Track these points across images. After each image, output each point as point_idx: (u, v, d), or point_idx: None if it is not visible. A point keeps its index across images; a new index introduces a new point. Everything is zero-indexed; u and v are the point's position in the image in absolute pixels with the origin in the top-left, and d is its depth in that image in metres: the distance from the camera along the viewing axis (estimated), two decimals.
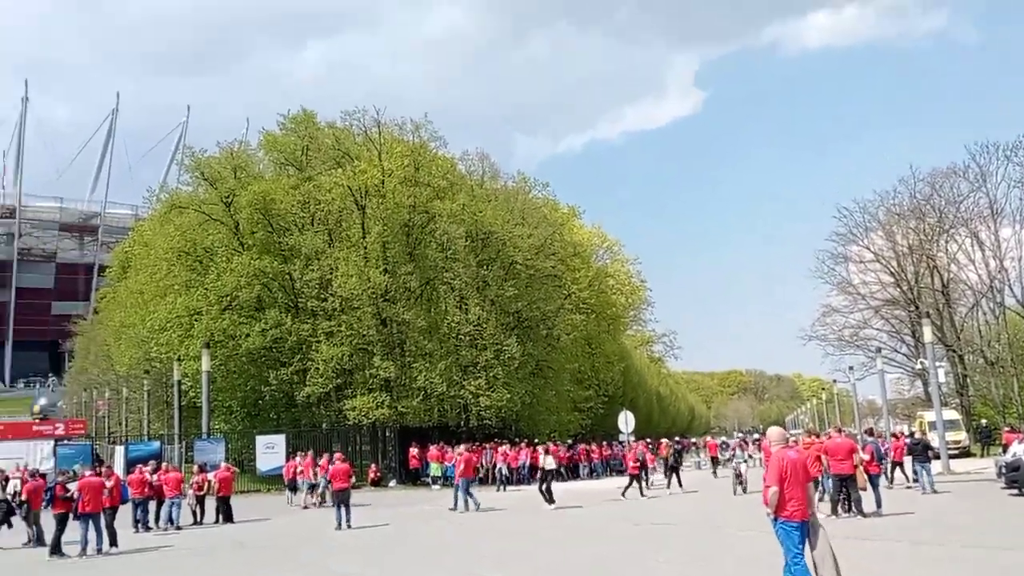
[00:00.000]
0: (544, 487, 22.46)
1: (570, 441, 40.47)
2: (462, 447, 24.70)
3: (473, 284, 36.64)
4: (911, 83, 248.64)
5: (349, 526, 18.44)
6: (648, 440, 36.59)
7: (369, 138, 36.47)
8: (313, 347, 33.73)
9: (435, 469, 31.45)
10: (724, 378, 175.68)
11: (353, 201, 35.07)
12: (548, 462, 23.18)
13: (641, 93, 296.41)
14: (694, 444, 58.34)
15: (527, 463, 33.16)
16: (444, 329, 35.91)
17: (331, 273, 34.19)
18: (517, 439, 36.58)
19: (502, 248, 38.13)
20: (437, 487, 30.08)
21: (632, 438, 31.46)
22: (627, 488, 24.26)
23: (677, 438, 41.66)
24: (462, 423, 37.07)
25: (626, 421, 30.27)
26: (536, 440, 36.75)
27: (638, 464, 25.22)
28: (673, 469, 27.40)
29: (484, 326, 35.75)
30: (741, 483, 23.77)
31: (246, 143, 40.85)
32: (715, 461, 36.32)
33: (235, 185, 35.32)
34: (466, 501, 21.25)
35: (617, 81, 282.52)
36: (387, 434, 35.98)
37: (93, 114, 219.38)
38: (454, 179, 39.69)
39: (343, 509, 18.62)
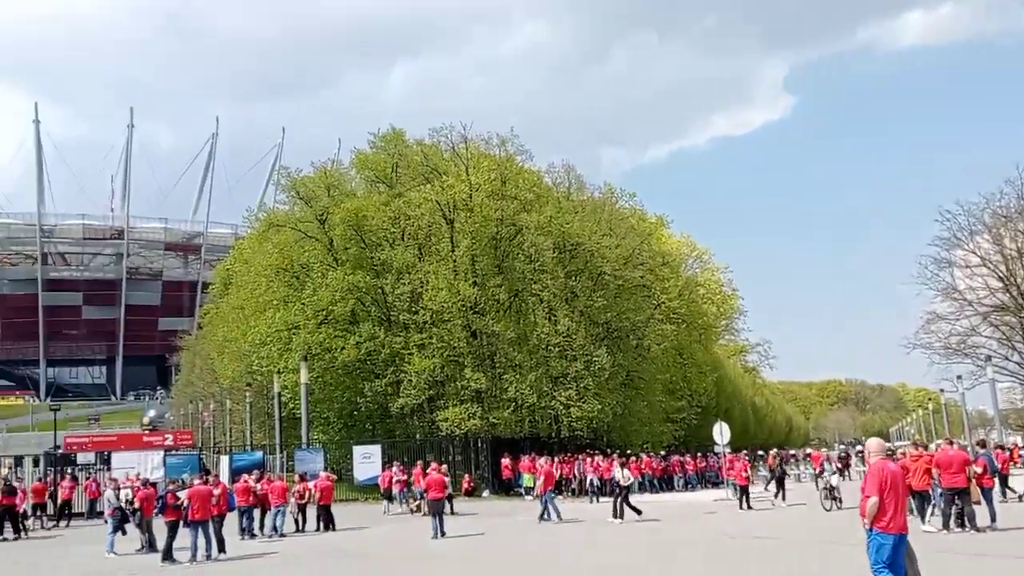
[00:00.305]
0: (618, 500, 22.22)
1: (663, 452, 39.99)
2: (543, 459, 24.70)
3: (562, 295, 36.72)
4: (1013, 80, 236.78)
5: (443, 535, 18.74)
6: (745, 452, 35.85)
7: (457, 153, 37.09)
8: (405, 359, 34.37)
9: (527, 480, 31.53)
10: (823, 388, 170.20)
11: (442, 216, 35.68)
12: (623, 475, 22.80)
13: (729, 99, 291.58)
14: (793, 456, 56.83)
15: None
16: (533, 340, 36.07)
17: (422, 287, 34.84)
18: (609, 450, 36.39)
19: (590, 259, 38.09)
20: (530, 498, 30.14)
21: (728, 449, 30.90)
22: (743, 499, 23.94)
23: (777, 450, 40.69)
24: (553, 434, 37.11)
25: (721, 432, 29.65)
26: (628, 452, 36.48)
27: (746, 477, 24.83)
28: (779, 481, 26.84)
29: (573, 337, 35.75)
30: (834, 497, 22.88)
31: (338, 162, 42.14)
32: (821, 473, 35.47)
33: (329, 203, 36.40)
34: (549, 512, 21.48)
35: (704, 88, 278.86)
36: (479, 444, 36.32)
37: (194, 138, 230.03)
38: (541, 191, 39.93)
39: (438, 519, 18.94)
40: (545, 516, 21.50)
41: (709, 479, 39.43)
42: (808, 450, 44.57)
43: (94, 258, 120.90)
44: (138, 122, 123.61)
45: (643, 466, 35.02)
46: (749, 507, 23.78)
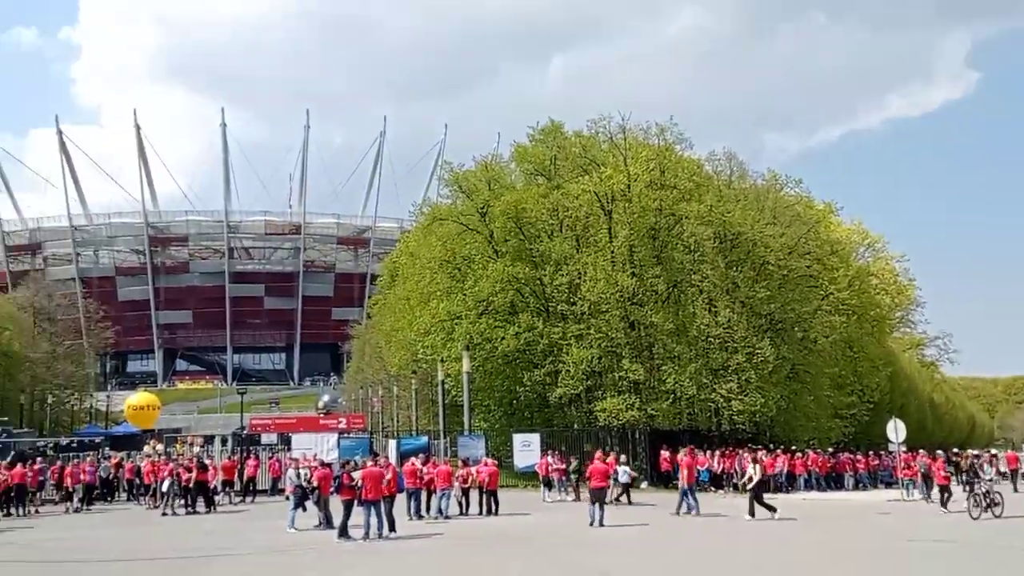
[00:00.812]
0: (753, 497, 21.51)
1: (831, 450, 38.31)
2: (682, 452, 24.22)
3: (722, 286, 35.88)
4: None
5: (602, 524, 18.85)
6: (939, 452, 33.73)
7: (615, 144, 36.97)
8: (563, 350, 34.68)
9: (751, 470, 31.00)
10: (1010, 384, 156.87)
11: (600, 207, 35.68)
12: (754, 471, 21.98)
13: (905, 78, 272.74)
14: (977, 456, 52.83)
15: (784, 470, 31.97)
16: (693, 332, 35.45)
17: (579, 277, 35.02)
18: (772, 445, 35.25)
19: (752, 248, 36.98)
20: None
21: (903, 448, 29.23)
22: (945, 499, 22.72)
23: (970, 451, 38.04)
24: (713, 427, 36.39)
25: (895, 429, 28.06)
26: (794, 447, 35.24)
27: (947, 476, 23.50)
28: (969, 483, 25.21)
29: (735, 328, 34.86)
30: (992, 503, 20.78)
31: (498, 156, 42.94)
32: (1015, 474, 33.00)
33: (489, 196, 37.23)
34: (688, 506, 21.36)
35: (877, 68, 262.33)
36: (637, 436, 36.14)
37: (363, 136, 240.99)
38: (701, 180, 39.11)
39: (598, 507, 19.08)
40: (683, 510, 21.35)
41: (881, 478, 37.38)
42: (992, 450, 41.24)
43: (274, 252, 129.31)
44: (313, 123, 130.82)
45: (809, 463, 33.74)
46: (946, 509, 22.34)
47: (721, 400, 34.17)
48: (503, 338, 34.70)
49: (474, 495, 23.16)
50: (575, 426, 36.60)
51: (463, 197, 39.00)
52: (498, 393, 38.35)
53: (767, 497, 21.81)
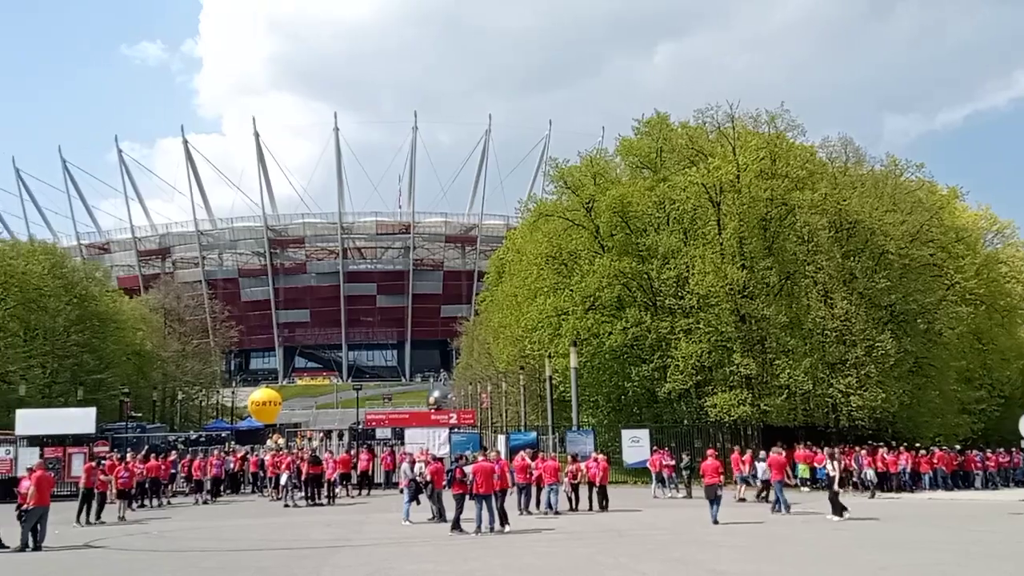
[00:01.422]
0: (831, 495, 20.63)
1: (958, 447, 36.41)
2: (775, 449, 23.39)
3: (838, 277, 34.65)
4: None
5: (716, 522, 18.60)
6: None
7: (723, 134, 36.19)
8: (672, 344, 34.27)
9: (802, 470, 30.20)
10: None
11: (708, 198, 35.03)
12: (831, 467, 21.06)
13: None
14: None
15: (907, 468, 30.64)
16: (808, 325, 34.41)
17: (688, 271, 34.50)
18: (895, 442, 33.81)
19: (870, 237, 35.50)
20: (806, 489, 28.89)
21: None
22: None
23: None
24: (831, 423, 35.22)
25: None
26: (918, 444, 33.69)
27: None
28: None
29: (852, 321, 33.60)
30: None
31: (603, 150, 42.71)
32: None
33: (595, 191, 37.11)
34: (782, 503, 21.00)
35: (1005, 44, 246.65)
36: (749, 432, 35.35)
37: (470, 133, 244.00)
38: (814, 168, 37.82)
39: (714, 505, 18.90)
40: (777, 507, 20.96)
41: (1014, 477, 35.32)
42: None
43: (385, 251, 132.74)
44: (421, 123, 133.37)
45: (935, 461, 32.19)
46: None
47: (839, 395, 33.05)
48: (610, 333, 34.58)
49: (583, 491, 23.19)
50: (685, 422, 36.13)
51: (568, 193, 38.99)
52: (606, 388, 38.23)
53: (882, 496, 21.01)
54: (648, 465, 28.26)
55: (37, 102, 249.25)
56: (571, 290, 35.96)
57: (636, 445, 31.88)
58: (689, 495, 26.65)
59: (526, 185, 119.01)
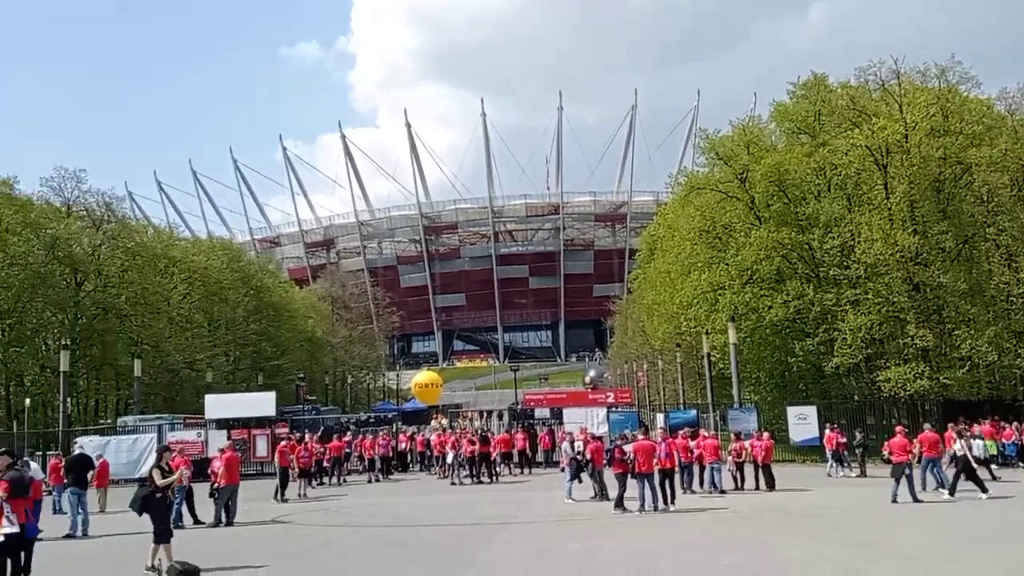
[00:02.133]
0: (967, 473, 18.97)
1: None
2: (926, 427, 21.64)
3: (1023, 238, 31.95)
4: None
5: (895, 501, 17.78)
6: None
7: (887, 92, 33.95)
8: (838, 317, 32.71)
9: (988, 447, 28.13)
10: None
11: (873, 161, 33.05)
12: (960, 445, 19.28)
13: None
14: None
15: None
16: (990, 291, 32.01)
17: (853, 239, 32.75)
18: None
19: None
20: (995, 467, 26.89)
21: None
22: None
23: None
24: (1020, 396, 32.62)
25: None
26: None
27: None
28: None
29: None
30: None
31: (756, 117, 41.20)
32: None
33: (749, 160, 35.84)
34: (939, 480, 19.68)
35: None
36: (927, 407, 33.29)
37: (616, 110, 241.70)
38: (992, 122, 34.86)
39: (900, 482, 18.18)
40: (931, 486, 19.68)
41: None
42: None
43: (536, 233, 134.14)
44: (566, 103, 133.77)
45: None
46: None
47: None
48: (770, 307, 33.43)
49: (749, 470, 22.60)
50: (855, 397, 34.48)
51: (721, 164, 37.86)
52: (768, 364, 37.06)
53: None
54: (825, 443, 27.11)
55: (208, 106, 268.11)
56: (727, 264, 35.00)
57: (803, 423, 30.69)
58: (863, 474, 25.44)
59: (675, 159, 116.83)
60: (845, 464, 25.74)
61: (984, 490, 18.65)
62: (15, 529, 10.10)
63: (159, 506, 11.99)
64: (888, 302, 31.84)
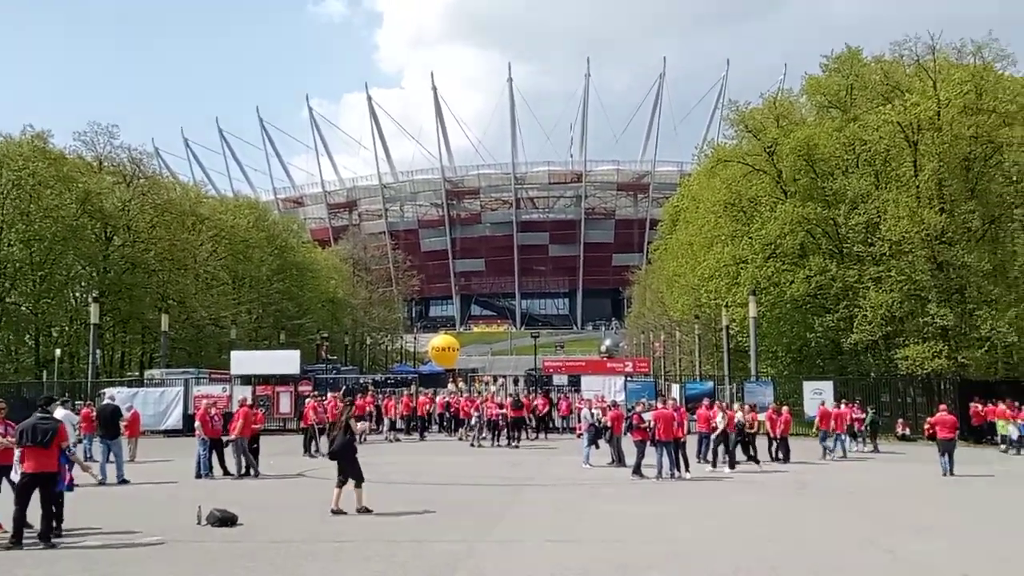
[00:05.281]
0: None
1: None
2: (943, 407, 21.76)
3: None
4: None
5: (949, 473, 18.47)
6: None
7: (922, 67, 33.54)
8: (860, 294, 32.75)
9: (1002, 427, 28.24)
10: None
11: (903, 138, 32.80)
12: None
13: None
14: None
15: None
16: (1014, 272, 31.87)
17: (879, 216, 32.64)
18: None
19: None
20: (1003, 448, 27.04)
21: None
22: None
23: None
24: None
25: None
26: None
27: None
28: None
29: None
30: None
31: (786, 89, 40.90)
32: None
33: (777, 134, 35.68)
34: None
35: None
36: (944, 386, 33.37)
37: (644, 77, 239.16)
38: None
39: (947, 457, 18.75)
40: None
41: None
42: None
43: (557, 201, 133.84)
44: (594, 70, 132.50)
45: None
46: None
47: None
48: (792, 282, 33.51)
49: (762, 443, 22.79)
50: (872, 374, 34.59)
51: (748, 137, 37.68)
52: (786, 339, 37.20)
53: None
54: (818, 420, 27.23)
55: (235, 64, 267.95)
56: (750, 238, 35.03)
57: (819, 397, 30.87)
58: (876, 449, 25.68)
59: (701, 129, 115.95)
60: (859, 440, 25.97)
61: None
62: (15, 478, 10.56)
63: (353, 452, 12.96)
64: (910, 280, 31.82)
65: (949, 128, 31.80)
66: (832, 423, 23.85)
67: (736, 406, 22.50)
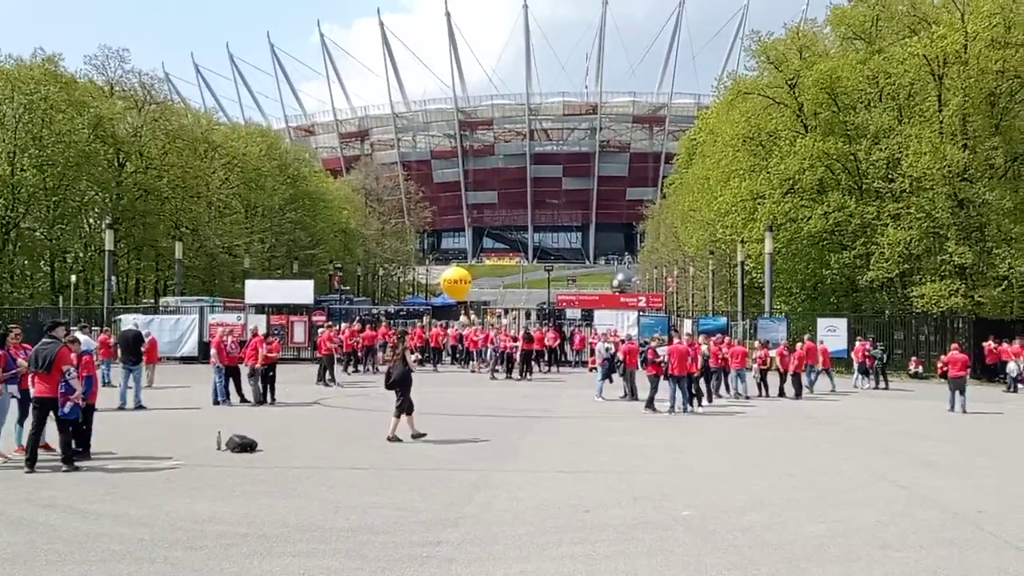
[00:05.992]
0: None
1: None
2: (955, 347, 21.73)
3: None
4: None
5: (962, 410, 18.76)
6: None
7: None
8: (878, 231, 32.46)
9: (1013, 367, 28.21)
10: None
11: (928, 71, 32.02)
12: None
13: None
14: None
15: None
16: None
17: (900, 152, 32.10)
18: None
19: None
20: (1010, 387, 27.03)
21: None
22: None
23: None
24: None
25: None
26: None
27: None
28: None
29: None
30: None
31: (810, 20, 39.80)
32: None
33: (800, 66, 34.88)
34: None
35: None
36: (958, 325, 33.26)
37: (664, 8, 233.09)
38: None
39: (958, 394, 19.05)
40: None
41: None
42: None
43: (571, 133, 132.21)
44: None
45: None
46: None
47: None
48: (810, 218, 33.22)
49: (773, 378, 22.86)
50: (886, 312, 34.48)
51: (770, 68, 36.85)
52: (801, 276, 37.02)
53: None
54: (853, 355, 27.35)
55: None
56: (768, 172, 34.56)
57: (832, 334, 30.86)
58: (886, 386, 25.78)
59: (720, 61, 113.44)
60: (870, 376, 26.07)
61: None
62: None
63: (410, 382, 13.54)
64: (930, 217, 31.47)
65: (976, 62, 31.01)
66: (819, 358, 24.03)
67: (701, 338, 22.32)
